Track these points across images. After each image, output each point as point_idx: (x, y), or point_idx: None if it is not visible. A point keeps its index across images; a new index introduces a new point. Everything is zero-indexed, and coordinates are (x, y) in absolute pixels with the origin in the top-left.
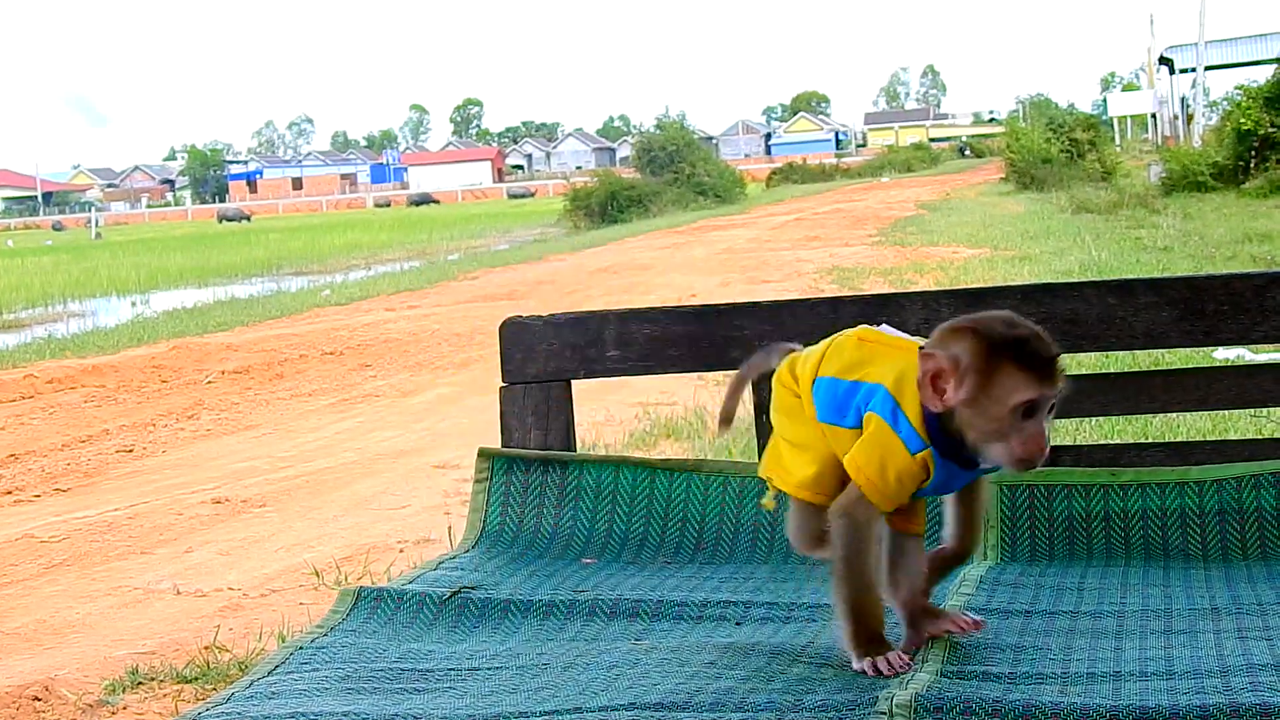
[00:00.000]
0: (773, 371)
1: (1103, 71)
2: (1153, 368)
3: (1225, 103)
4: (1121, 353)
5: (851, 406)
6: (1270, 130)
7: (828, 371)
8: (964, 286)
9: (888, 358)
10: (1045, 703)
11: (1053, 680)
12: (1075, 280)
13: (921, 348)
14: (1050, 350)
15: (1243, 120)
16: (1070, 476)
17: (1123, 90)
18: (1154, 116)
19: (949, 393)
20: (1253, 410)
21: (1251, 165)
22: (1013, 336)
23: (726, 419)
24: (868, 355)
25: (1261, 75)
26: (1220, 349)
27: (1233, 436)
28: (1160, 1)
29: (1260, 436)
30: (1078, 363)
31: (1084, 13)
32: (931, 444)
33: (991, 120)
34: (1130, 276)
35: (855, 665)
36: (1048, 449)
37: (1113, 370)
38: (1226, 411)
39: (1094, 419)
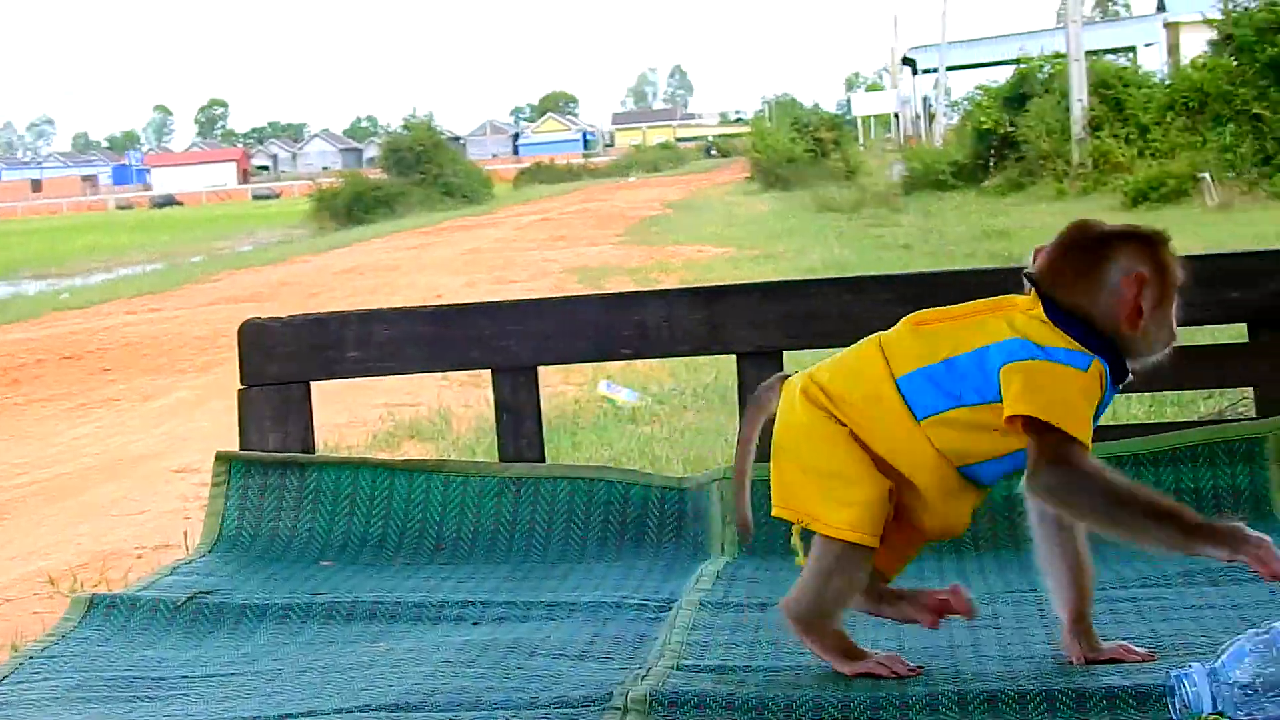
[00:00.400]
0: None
1: (848, 72)
2: None
3: (966, 103)
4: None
5: (979, 376)
6: (1009, 130)
7: (910, 366)
8: (704, 284)
9: (979, 325)
10: (778, 696)
11: (788, 673)
12: (813, 278)
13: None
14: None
15: (982, 120)
16: None
17: (867, 90)
18: (897, 116)
19: (1145, 308)
20: None
21: (991, 164)
22: (1160, 234)
23: (745, 526)
24: (952, 331)
25: (1002, 75)
26: None
27: None
28: (904, 3)
29: None
30: (818, 357)
31: (829, 14)
32: (1099, 354)
33: (738, 120)
34: (867, 273)
35: (1211, 551)
36: None
37: None
38: None
39: None
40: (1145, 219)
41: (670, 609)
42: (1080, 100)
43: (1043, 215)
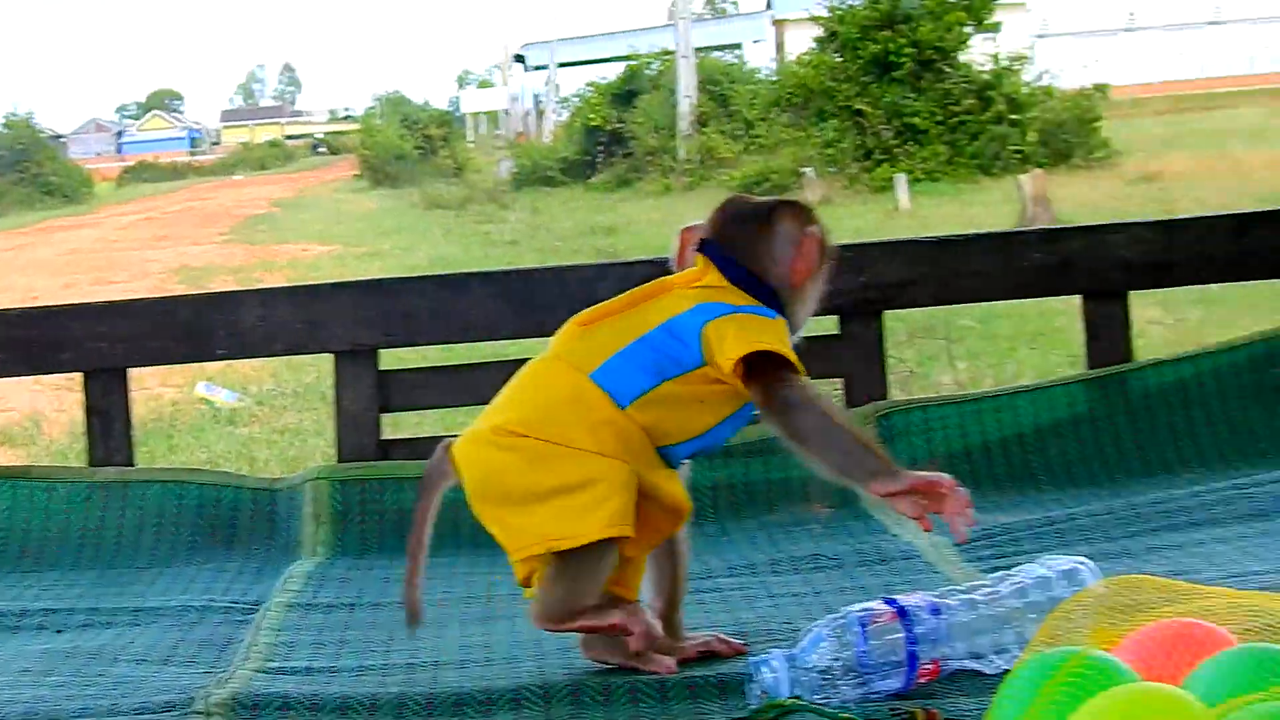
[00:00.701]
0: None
1: (459, 69)
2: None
3: (576, 99)
4: (462, 345)
5: (677, 345)
6: (617, 125)
7: (600, 358)
8: (302, 284)
9: (652, 308)
10: (363, 694)
11: (374, 672)
12: (413, 275)
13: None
14: None
15: (591, 116)
16: (402, 470)
17: (478, 87)
18: (507, 113)
19: (810, 274)
20: None
21: (599, 160)
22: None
23: (413, 610)
24: (629, 318)
25: (612, 72)
26: None
27: None
28: (515, 2)
29: None
30: (421, 355)
31: (440, 11)
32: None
33: (347, 117)
34: (469, 270)
35: (890, 488)
36: None
37: (451, 363)
38: None
39: (435, 411)
40: None
41: (258, 611)
42: (688, 97)
43: (649, 211)
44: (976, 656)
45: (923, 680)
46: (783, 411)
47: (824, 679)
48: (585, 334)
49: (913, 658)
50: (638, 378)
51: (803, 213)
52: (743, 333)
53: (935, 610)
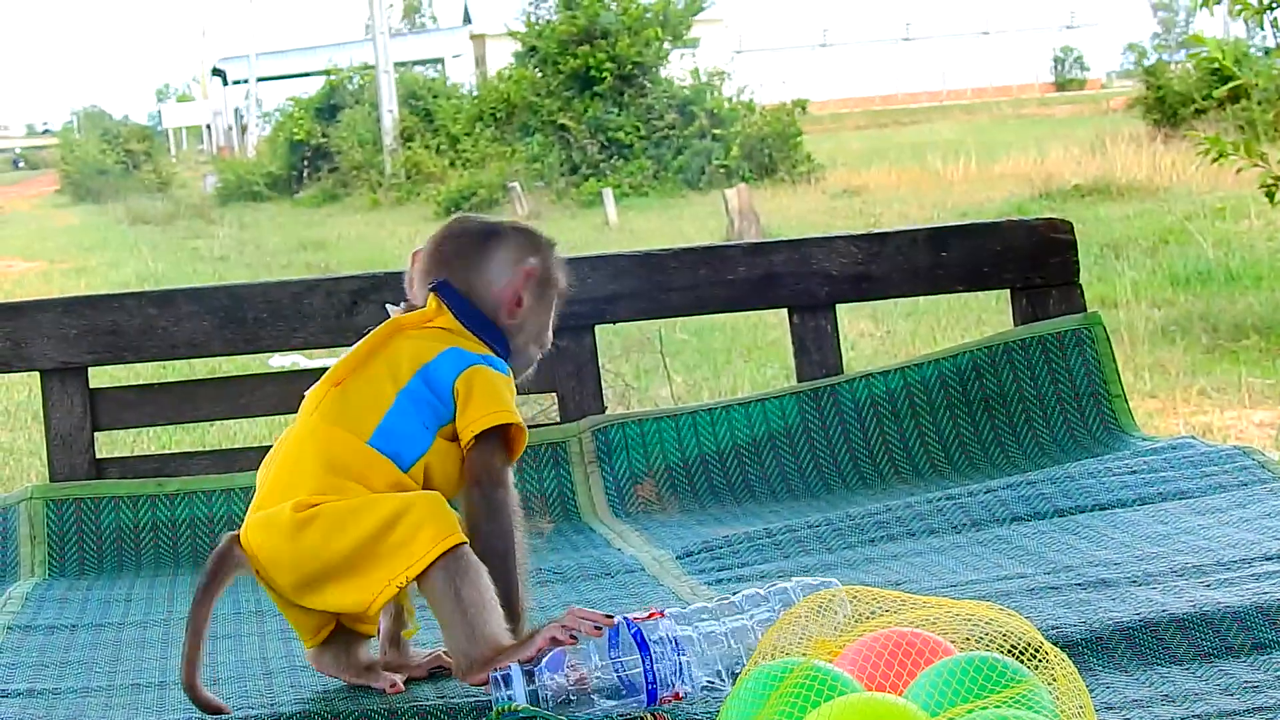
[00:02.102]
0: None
1: (158, 83)
2: (207, 376)
3: (278, 113)
4: (177, 362)
5: (433, 397)
6: (321, 140)
7: (372, 423)
8: (9, 301)
9: (400, 351)
10: (89, 717)
11: (98, 694)
12: (117, 291)
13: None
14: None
15: (295, 131)
16: (118, 489)
17: (178, 101)
18: (209, 127)
19: (525, 301)
20: None
21: (305, 175)
22: (540, 233)
23: (216, 708)
24: (382, 370)
25: (313, 87)
26: (276, 356)
27: None
28: (213, 14)
29: None
30: (133, 374)
31: (137, 24)
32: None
33: (46, 132)
34: (174, 286)
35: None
36: None
37: (163, 380)
38: (284, 416)
39: (150, 430)
40: None
41: None
42: (391, 111)
43: (359, 225)
44: (713, 676)
45: (666, 704)
46: (485, 505)
47: (561, 694)
48: (342, 393)
49: (652, 693)
50: (416, 437)
51: (525, 239)
52: (481, 399)
53: (679, 649)
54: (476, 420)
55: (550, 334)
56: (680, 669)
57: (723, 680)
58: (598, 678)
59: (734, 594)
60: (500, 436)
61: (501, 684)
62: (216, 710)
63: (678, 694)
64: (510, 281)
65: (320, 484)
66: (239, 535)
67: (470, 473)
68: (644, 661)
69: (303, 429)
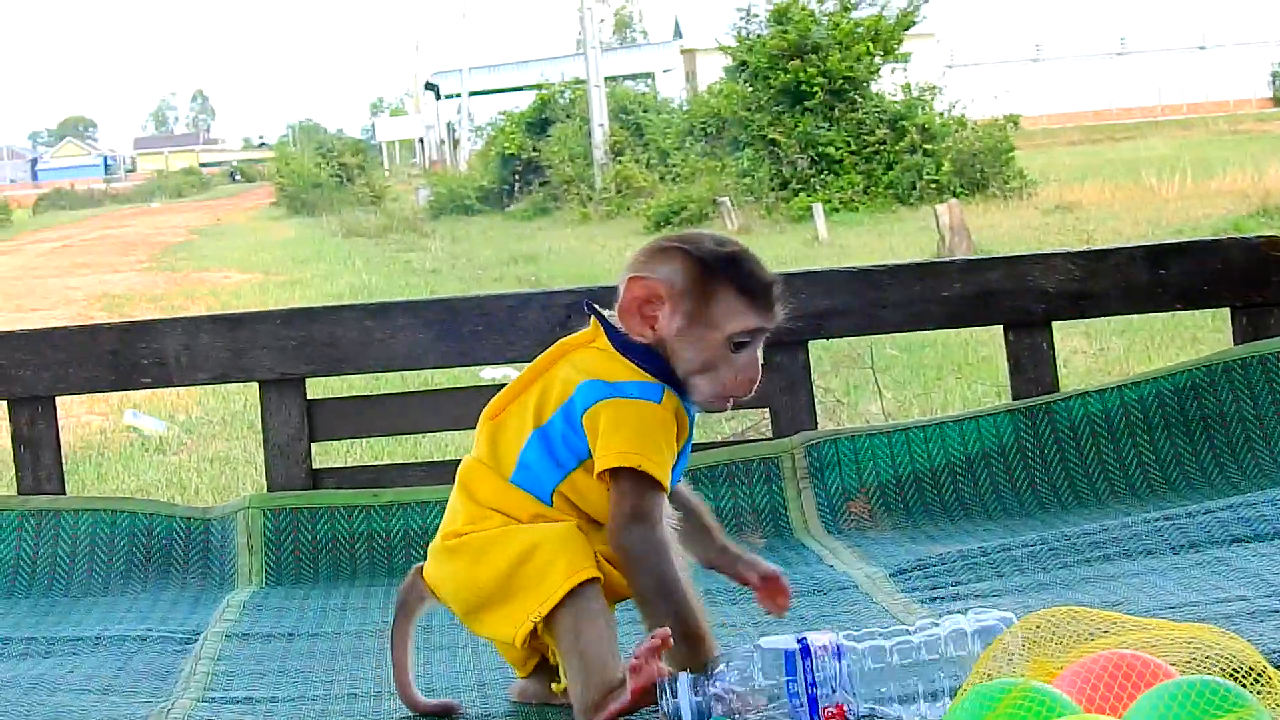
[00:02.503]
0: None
1: (372, 97)
2: (420, 388)
3: (490, 128)
4: (391, 374)
5: (571, 433)
6: (533, 154)
7: (512, 461)
8: (230, 312)
9: (550, 383)
10: None
11: (316, 702)
12: (334, 304)
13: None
14: (768, 275)
15: (506, 145)
16: (333, 499)
17: (391, 115)
18: (422, 141)
19: (661, 321)
20: None
21: (516, 189)
22: (727, 256)
23: (448, 711)
24: (529, 403)
25: (524, 101)
26: (488, 369)
27: None
28: (426, 29)
29: None
30: (347, 385)
31: (351, 39)
32: (665, 381)
33: (262, 145)
34: (390, 299)
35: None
36: (758, 382)
37: (379, 392)
38: None
39: (364, 441)
40: None
41: (197, 640)
42: (601, 125)
43: (568, 239)
44: (879, 703)
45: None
46: (630, 549)
47: (725, 708)
48: (497, 429)
49: (813, 700)
50: (548, 473)
51: (673, 258)
52: (610, 436)
53: (840, 654)
54: (600, 459)
55: (740, 371)
56: (843, 678)
57: (892, 709)
58: (760, 693)
59: (917, 629)
60: (633, 474)
61: (666, 693)
62: (446, 710)
63: (840, 708)
64: (624, 293)
65: (471, 514)
66: (421, 567)
67: (609, 515)
68: (803, 664)
69: (464, 468)
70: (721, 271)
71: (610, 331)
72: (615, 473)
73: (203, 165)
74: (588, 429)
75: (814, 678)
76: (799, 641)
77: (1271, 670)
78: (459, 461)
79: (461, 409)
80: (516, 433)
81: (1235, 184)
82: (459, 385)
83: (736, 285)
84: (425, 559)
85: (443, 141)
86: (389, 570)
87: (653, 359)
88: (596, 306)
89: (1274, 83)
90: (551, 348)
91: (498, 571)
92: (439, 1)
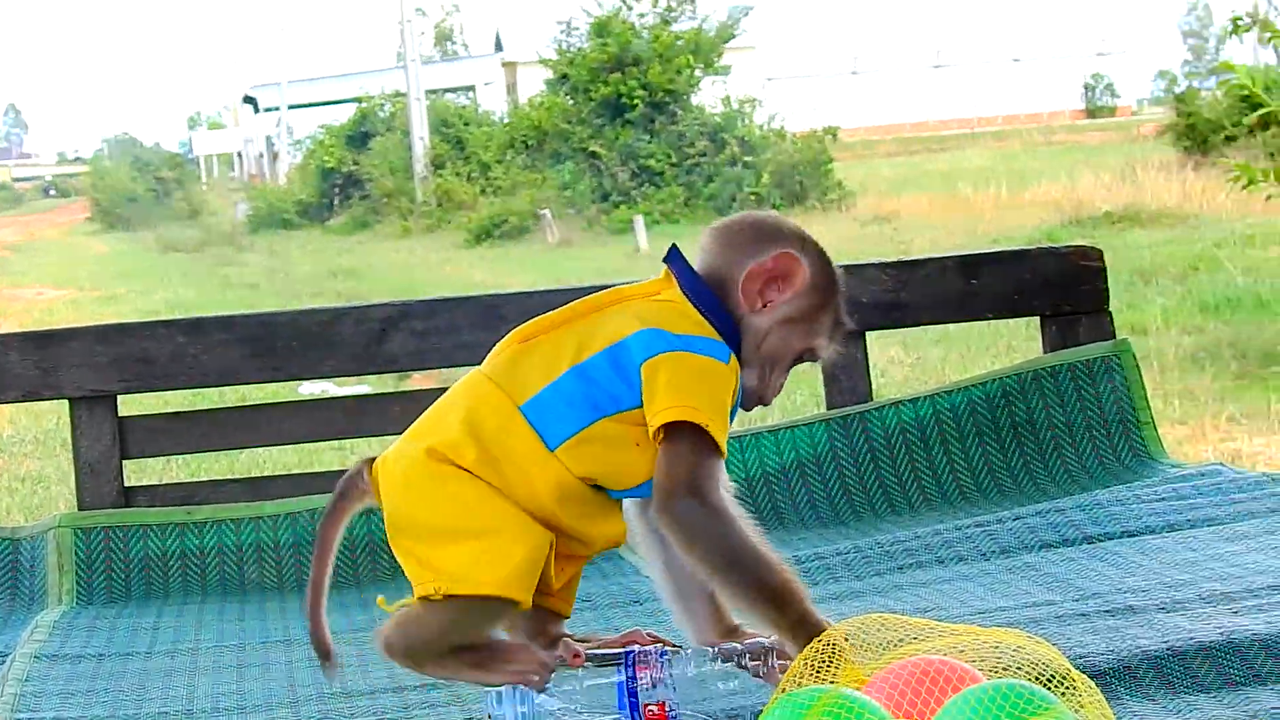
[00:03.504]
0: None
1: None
2: (237, 404)
3: (309, 141)
4: (208, 390)
5: (617, 379)
6: (352, 168)
7: (534, 388)
8: (40, 329)
9: (599, 322)
10: None
11: None
12: (147, 320)
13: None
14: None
15: (325, 158)
16: (146, 517)
17: (209, 129)
18: (240, 155)
19: (777, 302)
20: (337, 442)
21: (335, 202)
22: (841, 277)
23: (322, 649)
24: (570, 335)
25: (344, 114)
26: (306, 384)
27: (318, 469)
28: (244, 41)
29: (344, 468)
30: (163, 401)
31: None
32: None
33: (77, 160)
34: (205, 314)
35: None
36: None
37: (194, 408)
38: (314, 445)
39: (179, 458)
40: (489, 255)
41: (5, 661)
42: (421, 138)
43: (389, 253)
44: (708, 714)
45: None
46: (681, 523)
47: (552, 716)
48: (523, 352)
49: (634, 694)
50: (569, 415)
51: (812, 249)
52: (673, 389)
53: (663, 654)
54: (660, 412)
55: (783, 379)
56: (665, 677)
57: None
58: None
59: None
60: (695, 433)
61: (492, 703)
62: (325, 655)
63: (662, 706)
64: (754, 270)
65: (458, 438)
66: (373, 459)
67: (656, 479)
68: (625, 667)
69: (468, 379)
70: (837, 290)
71: (691, 281)
72: (672, 429)
73: (15, 180)
74: (646, 379)
75: (634, 672)
76: (628, 652)
77: (1076, 674)
78: (276, 478)
79: (277, 424)
80: (547, 362)
81: (1049, 194)
82: (276, 401)
83: (837, 310)
84: (239, 575)
85: (261, 155)
86: (203, 588)
87: (728, 323)
88: (681, 255)
89: (1086, 94)
90: (603, 292)
91: (455, 525)
92: (257, 14)
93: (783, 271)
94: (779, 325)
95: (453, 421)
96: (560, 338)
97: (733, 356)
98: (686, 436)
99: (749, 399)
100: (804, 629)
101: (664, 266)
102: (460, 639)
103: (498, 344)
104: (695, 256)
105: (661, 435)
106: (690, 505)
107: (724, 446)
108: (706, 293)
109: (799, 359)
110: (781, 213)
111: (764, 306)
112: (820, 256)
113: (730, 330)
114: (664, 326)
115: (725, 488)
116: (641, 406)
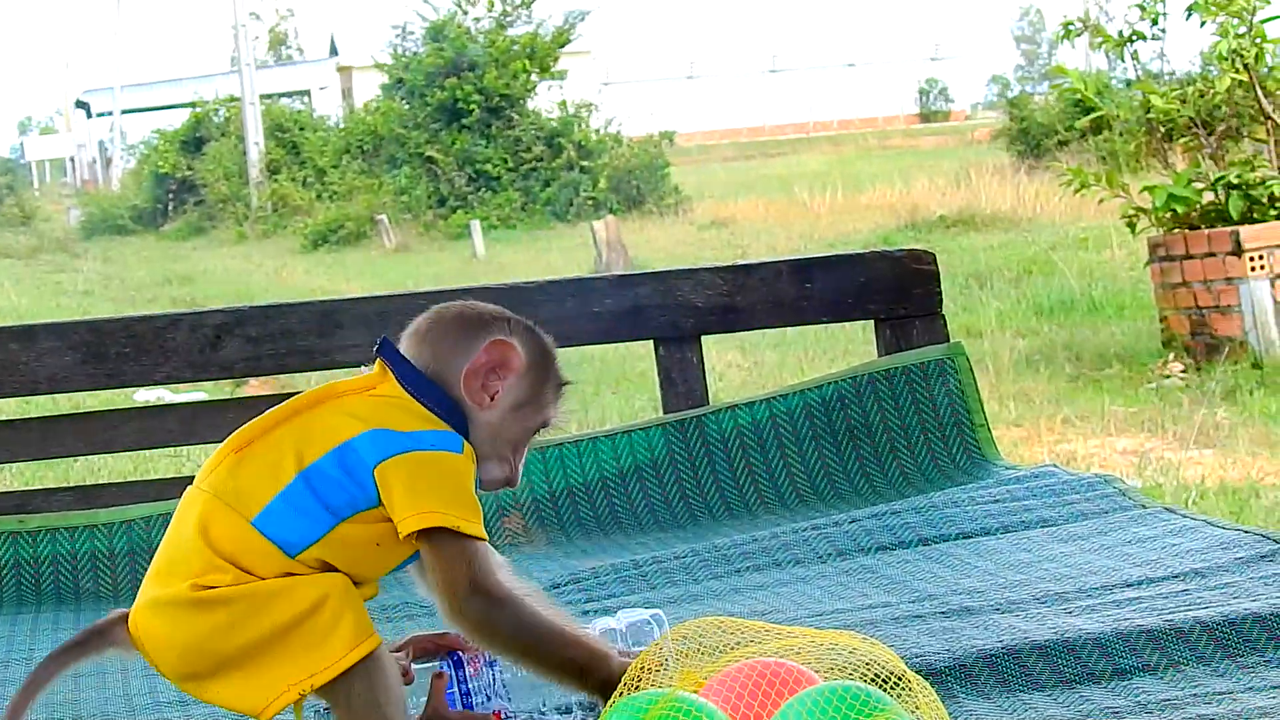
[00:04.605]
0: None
1: (20, 115)
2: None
3: (143, 146)
4: (39, 398)
5: (348, 481)
6: (187, 173)
7: (261, 501)
8: None
9: (314, 422)
10: None
11: None
12: None
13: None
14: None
15: (160, 163)
16: None
17: (40, 134)
18: (73, 160)
19: (500, 391)
20: (172, 449)
21: (171, 208)
22: (549, 344)
23: None
24: (287, 440)
25: (178, 119)
26: (140, 390)
27: (152, 476)
28: (76, 46)
29: (180, 475)
30: None
31: None
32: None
33: None
34: (36, 321)
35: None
36: None
37: (26, 416)
38: (149, 452)
39: (11, 466)
40: (326, 261)
41: None
42: (256, 143)
43: (225, 259)
44: (541, 713)
45: None
46: (478, 623)
47: None
48: (239, 462)
49: (469, 707)
50: (304, 524)
51: (524, 334)
52: (414, 492)
53: (493, 664)
54: (406, 520)
55: (520, 465)
56: (498, 686)
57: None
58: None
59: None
60: (451, 536)
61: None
62: None
63: (497, 715)
64: (476, 358)
65: (205, 566)
66: (128, 614)
67: (438, 588)
68: (456, 678)
69: (188, 500)
70: (552, 358)
71: (411, 375)
72: (429, 535)
73: None
74: (380, 483)
75: (468, 687)
76: (451, 656)
77: (911, 674)
78: (111, 485)
79: (112, 432)
80: (270, 469)
81: (884, 198)
82: (110, 408)
83: (557, 376)
84: (74, 584)
85: (95, 161)
86: (37, 597)
87: (455, 413)
88: (391, 342)
89: (921, 99)
90: (315, 389)
91: (271, 630)
92: (89, 18)
93: (499, 360)
94: (510, 413)
95: (192, 553)
96: (276, 440)
97: (465, 444)
98: (446, 539)
99: (496, 485)
100: (611, 688)
101: (378, 360)
102: (395, 713)
103: (210, 456)
104: (405, 347)
105: (417, 539)
106: (479, 603)
107: (483, 533)
108: (428, 385)
109: (535, 433)
110: (617, 218)
111: (491, 400)
112: (528, 331)
113: (459, 421)
114: (389, 425)
115: (500, 567)
116: (379, 506)
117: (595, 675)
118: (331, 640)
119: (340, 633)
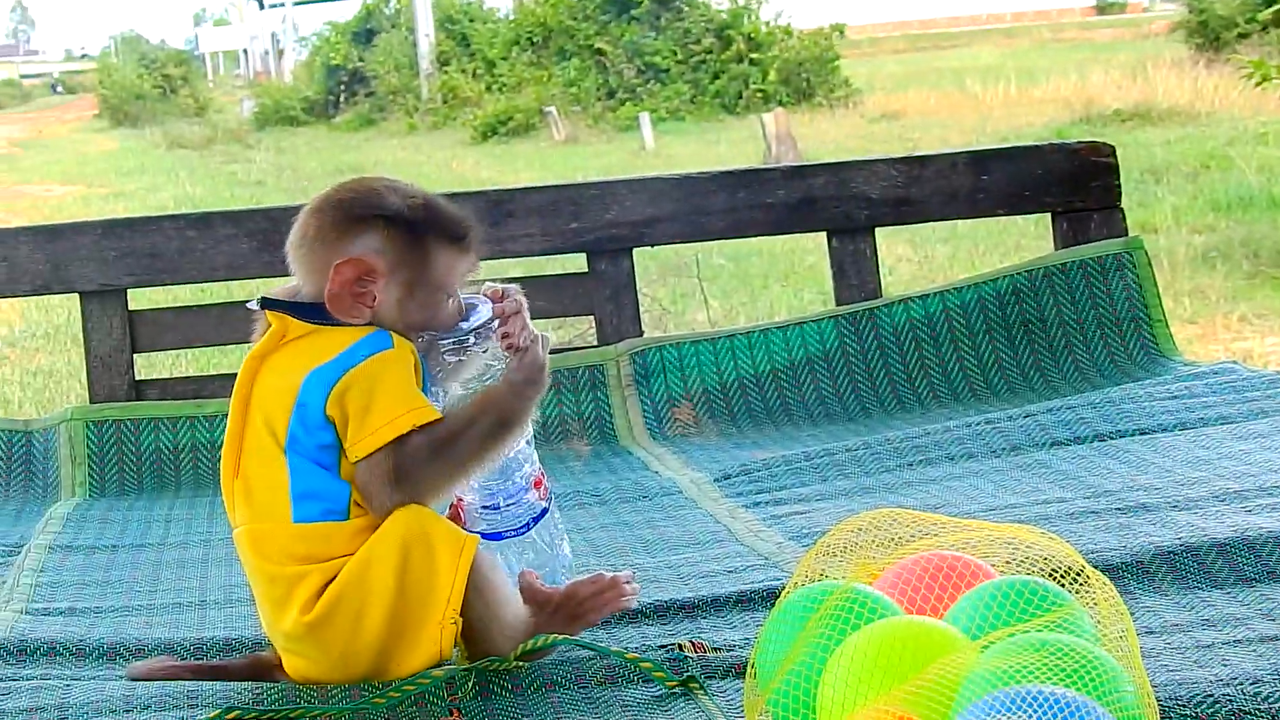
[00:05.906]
0: None
1: (195, 7)
2: (245, 299)
3: (315, 38)
4: (214, 285)
5: (320, 439)
6: (358, 65)
7: (282, 506)
8: (49, 224)
9: (256, 396)
10: (130, 636)
11: (139, 613)
12: (155, 214)
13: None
14: (462, 212)
15: (331, 55)
16: (156, 410)
17: (214, 26)
18: (246, 52)
19: (377, 297)
20: None
21: (341, 99)
22: (423, 207)
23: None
24: (253, 419)
25: (349, 11)
26: None
27: None
28: None
29: None
30: (171, 295)
31: None
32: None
33: (84, 57)
34: (212, 209)
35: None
36: None
37: (203, 303)
38: None
39: (189, 352)
40: (495, 152)
41: (20, 553)
42: (427, 35)
43: (395, 150)
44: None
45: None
46: (407, 500)
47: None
48: (244, 486)
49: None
50: (329, 489)
51: (353, 227)
52: (365, 414)
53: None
54: (362, 443)
55: (448, 315)
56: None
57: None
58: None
59: None
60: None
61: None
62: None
63: (540, 479)
64: (333, 283)
65: (293, 579)
66: (274, 660)
67: (363, 483)
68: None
69: (238, 543)
70: (428, 227)
71: (301, 310)
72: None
73: (23, 77)
74: (336, 420)
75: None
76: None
77: (1089, 570)
78: None
79: None
80: (268, 469)
81: (1058, 92)
82: None
83: (447, 236)
84: None
85: (267, 52)
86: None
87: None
88: (270, 297)
89: None
90: (241, 368)
91: (386, 594)
92: None
93: (351, 278)
94: (404, 303)
95: (276, 581)
96: (254, 439)
97: (395, 335)
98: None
99: (451, 322)
100: (518, 400)
101: (266, 313)
102: (499, 588)
103: (224, 494)
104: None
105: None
106: (401, 489)
107: (426, 415)
108: (321, 309)
109: (449, 295)
110: (786, 110)
111: (373, 304)
112: (384, 222)
113: (370, 319)
114: (318, 361)
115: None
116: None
117: (508, 405)
118: (437, 561)
119: (439, 552)
